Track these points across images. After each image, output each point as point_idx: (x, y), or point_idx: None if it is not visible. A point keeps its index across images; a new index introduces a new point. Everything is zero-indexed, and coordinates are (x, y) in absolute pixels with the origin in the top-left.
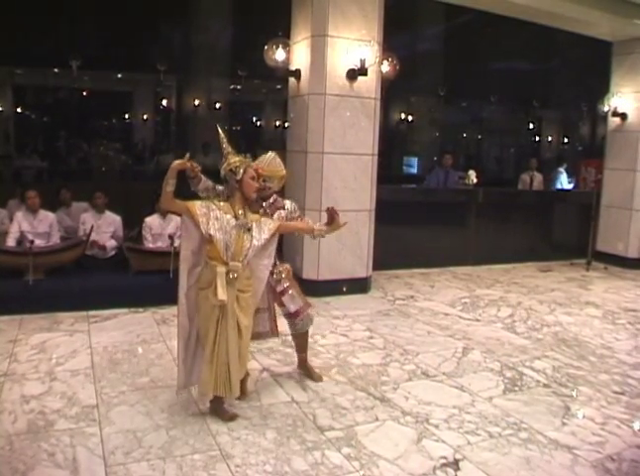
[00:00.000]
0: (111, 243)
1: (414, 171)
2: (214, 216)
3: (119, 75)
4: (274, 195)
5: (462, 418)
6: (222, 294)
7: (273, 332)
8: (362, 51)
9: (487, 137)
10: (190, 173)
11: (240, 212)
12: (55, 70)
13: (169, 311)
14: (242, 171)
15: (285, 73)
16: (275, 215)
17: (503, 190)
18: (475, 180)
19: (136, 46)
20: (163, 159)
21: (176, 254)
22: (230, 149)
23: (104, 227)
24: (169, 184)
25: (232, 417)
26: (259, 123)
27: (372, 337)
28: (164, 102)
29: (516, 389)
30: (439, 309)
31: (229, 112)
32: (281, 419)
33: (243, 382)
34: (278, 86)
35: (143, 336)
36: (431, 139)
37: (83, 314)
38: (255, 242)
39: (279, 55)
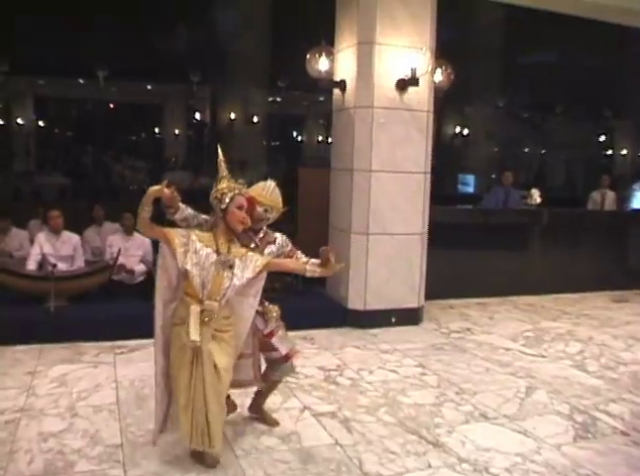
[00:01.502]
0: (140, 267)
1: (470, 190)
2: (193, 249)
3: (148, 87)
4: (264, 228)
5: (526, 468)
6: (194, 334)
7: (257, 380)
8: (412, 58)
9: (552, 151)
10: (166, 201)
11: (223, 246)
12: (80, 81)
13: None
14: (228, 199)
15: (329, 84)
16: (266, 250)
17: (571, 211)
18: (538, 200)
19: (167, 55)
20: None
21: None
22: (225, 173)
23: (132, 250)
24: (145, 211)
25: (214, 464)
26: (299, 138)
27: (424, 374)
28: (198, 115)
29: (589, 436)
30: (499, 344)
31: (267, 126)
32: (323, 464)
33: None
34: (321, 98)
35: None
36: (489, 154)
37: (108, 345)
38: (235, 281)
39: (323, 64)
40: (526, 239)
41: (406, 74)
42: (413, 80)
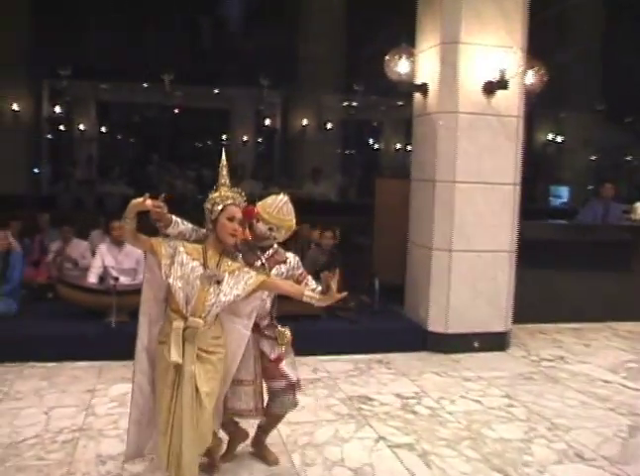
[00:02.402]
0: None
1: (564, 203)
2: (179, 261)
3: (216, 91)
4: (275, 246)
5: None
6: (175, 354)
7: (257, 411)
8: (501, 59)
9: None
10: (154, 214)
11: (212, 260)
12: (145, 86)
13: None
14: (219, 208)
15: (410, 88)
16: (274, 271)
17: None
18: None
19: (235, 58)
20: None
21: None
22: (224, 181)
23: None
24: (127, 223)
25: None
26: (376, 146)
27: (511, 405)
28: (267, 121)
29: None
30: (596, 375)
31: (342, 133)
32: None
33: (211, 453)
34: (401, 103)
35: None
36: (586, 164)
37: None
38: (221, 297)
39: (403, 66)
40: (628, 258)
41: (494, 76)
42: (502, 83)
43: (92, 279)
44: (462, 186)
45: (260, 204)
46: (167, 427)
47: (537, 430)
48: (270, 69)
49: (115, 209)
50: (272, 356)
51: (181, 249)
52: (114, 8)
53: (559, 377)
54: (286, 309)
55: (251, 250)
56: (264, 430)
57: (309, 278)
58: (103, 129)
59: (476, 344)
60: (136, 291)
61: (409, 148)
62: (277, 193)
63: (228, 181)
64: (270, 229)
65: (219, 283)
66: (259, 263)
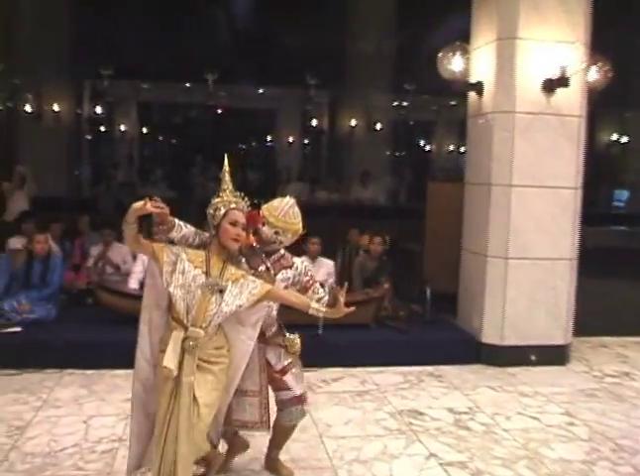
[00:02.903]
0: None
1: (629, 208)
2: (181, 269)
3: (260, 90)
4: (282, 251)
5: None
6: (169, 360)
7: (263, 424)
8: (562, 55)
9: None
10: (156, 217)
11: (215, 267)
12: (187, 85)
13: (317, 375)
14: (221, 213)
15: (464, 87)
16: (279, 276)
17: None
18: None
19: (280, 55)
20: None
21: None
22: (227, 186)
23: (318, 276)
24: (129, 228)
25: None
26: (428, 148)
27: (572, 424)
28: (314, 122)
29: None
30: None
31: (392, 134)
32: None
33: (208, 465)
34: (453, 103)
35: None
36: None
37: None
38: (223, 307)
39: (456, 64)
40: None
41: (554, 74)
42: (563, 80)
43: (133, 284)
44: (519, 190)
45: (265, 207)
46: (162, 437)
47: (600, 452)
48: (318, 68)
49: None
50: (278, 367)
51: (184, 256)
52: (157, 7)
53: (624, 394)
54: (334, 319)
55: (255, 254)
56: (276, 445)
57: (317, 285)
58: (144, 130)
59: (533, 358)
60: None
61: (462, 149)
62: (295, 195)
63: (231, 187)
64: (277, 233)
65: (221, 292)
66: (263, 267)
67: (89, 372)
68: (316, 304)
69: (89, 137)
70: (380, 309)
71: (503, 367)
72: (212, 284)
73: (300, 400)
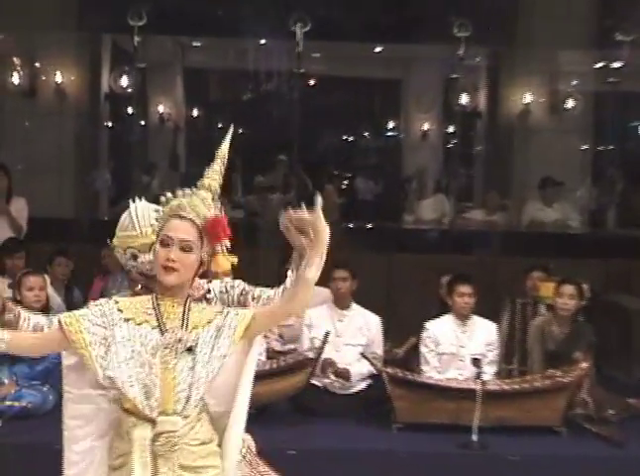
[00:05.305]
0: (358, 367)
1: None
2: (119, 337)
3: (377, 49)
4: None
5: None
6: None
7: None
8: None
9: None
10: None
11: (171, 315)
12: (262, 42)
13: None
14: (158, 228)
15: None
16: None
17: None
18: None
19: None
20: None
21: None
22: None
23: (348, 334)
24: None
25: None
26: None
27: None
28: (464, 99)
29: None
30: None
31: (593, 117)
32: None
33: None
34: None
35: None
36: None
37: None
38: (199, 371)
39: None
40: None
41: None
42: None
43: None
44: None
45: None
46: None
47: None
48: (470, 12)
49: None
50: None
51: (117, 315)
52: None
53: None
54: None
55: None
56: None
57: (257, 290)
58: (195, 112)
59: None
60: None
61: None
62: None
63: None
64: (134, 256)
65: (190, 350)
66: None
67: None
68: (290, 281)
69: (109, 124)
70: (575, 404)
71: None
72: (172, 341)
73: None
